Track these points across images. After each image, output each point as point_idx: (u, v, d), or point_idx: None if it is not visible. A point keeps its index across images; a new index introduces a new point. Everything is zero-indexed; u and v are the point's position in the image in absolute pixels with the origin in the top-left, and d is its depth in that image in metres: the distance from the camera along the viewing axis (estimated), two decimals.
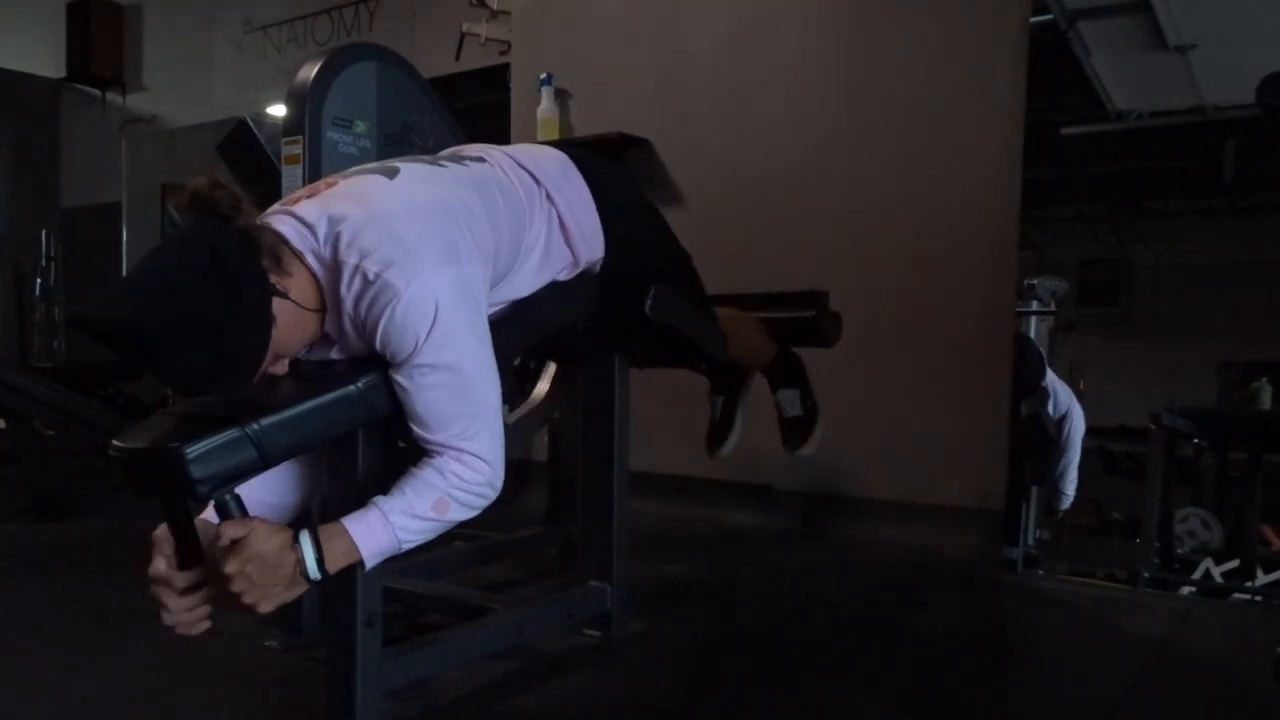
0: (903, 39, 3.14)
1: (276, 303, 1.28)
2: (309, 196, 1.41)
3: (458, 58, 4.29)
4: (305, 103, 1.87)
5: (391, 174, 1.44)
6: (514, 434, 2.33)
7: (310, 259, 1.33)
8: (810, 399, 2.37)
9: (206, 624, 1.34)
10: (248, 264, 1.26)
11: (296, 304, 1.31)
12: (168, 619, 1.33)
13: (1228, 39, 4.54)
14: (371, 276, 1.28)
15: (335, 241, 1.32)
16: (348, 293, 1.31)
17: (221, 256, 1.23)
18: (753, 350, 2.26)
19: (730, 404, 2.31)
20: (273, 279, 1.28)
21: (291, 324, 1.31)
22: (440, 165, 1.51)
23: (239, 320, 1.24)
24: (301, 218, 1.35)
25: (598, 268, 1.72)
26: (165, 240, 1.35)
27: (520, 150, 1.66)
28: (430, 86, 2.22)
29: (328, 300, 1.36)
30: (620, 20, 3.73)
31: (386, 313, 1.28)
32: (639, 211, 1.84)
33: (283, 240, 1.32)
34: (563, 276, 1.67)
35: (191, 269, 1.22)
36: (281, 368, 1.36)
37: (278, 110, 4.90)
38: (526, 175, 1.60)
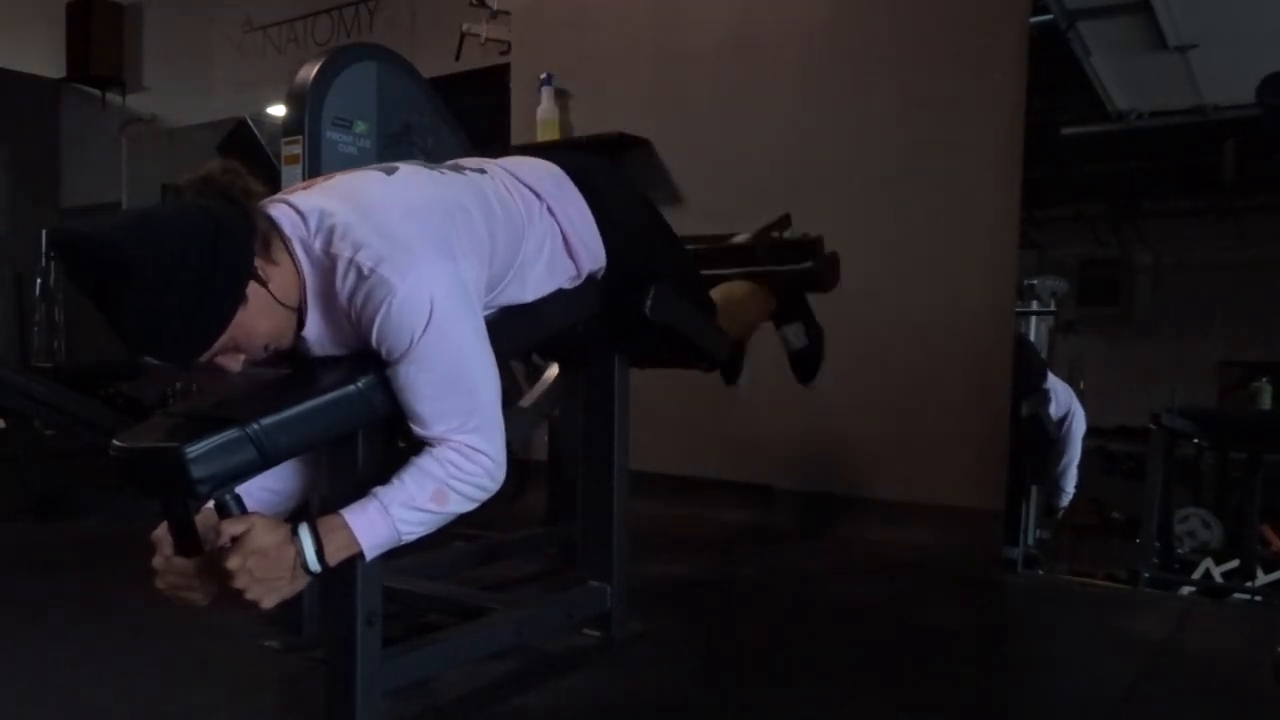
0: (903, 39, 3.14)
1: (253, 287, 1.27)
2: (306, 189, 1.42)
3: (458, 58, 4.28)
4: (305, 103, 1.87)
5: (390, 172, 1.46)
6: (523, 421, 2.34)
7: (298, 248, 1.33)
8: (813, 326, 2.43)
9: (199, 598, 1.32)
10: (239, 240, 1.26)
11: (272, 295, 1.30)
12: (160, 582, 1.33)
13: (1228, 39, 4.54)
14: (366, 271, 1.28)
15: (329, 234, 1.31)
16: (342, 286, 1.31)
17: (217, 226, 1.24)
18: (757, 314, 2.34)
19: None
20: (258, 262, 1.28)
21: (260, 313, 1.29)
22: (440, 172, 1.52)
23: (212, 283, 1.23)
24: (296, 206, 1.35)
25: (601, 274, 1.74)
26: (171, 201, 1.36)
27: (517, 165, 1.66)
28: (430, 86, 2.22)
29: (312, 296, 1.35)
30: (620, 20, 3.73)
31: (382, 309, 1.28)
32: (638, 216, 1.85)
33: (275, 226, 1.32)
34: (567, 286, 1.69)
35: (185, 223, 1.23)
36: (235, 363, 1.32)
37: (278, 110, 4.90)
38: (527, 190, 1.61)
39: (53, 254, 1.22)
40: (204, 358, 1.28)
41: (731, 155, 3.45)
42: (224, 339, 1.27)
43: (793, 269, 2.37)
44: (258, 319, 1.29)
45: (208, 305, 1.24)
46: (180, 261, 1.20)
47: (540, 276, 1.61)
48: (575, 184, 1.68)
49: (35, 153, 6.44)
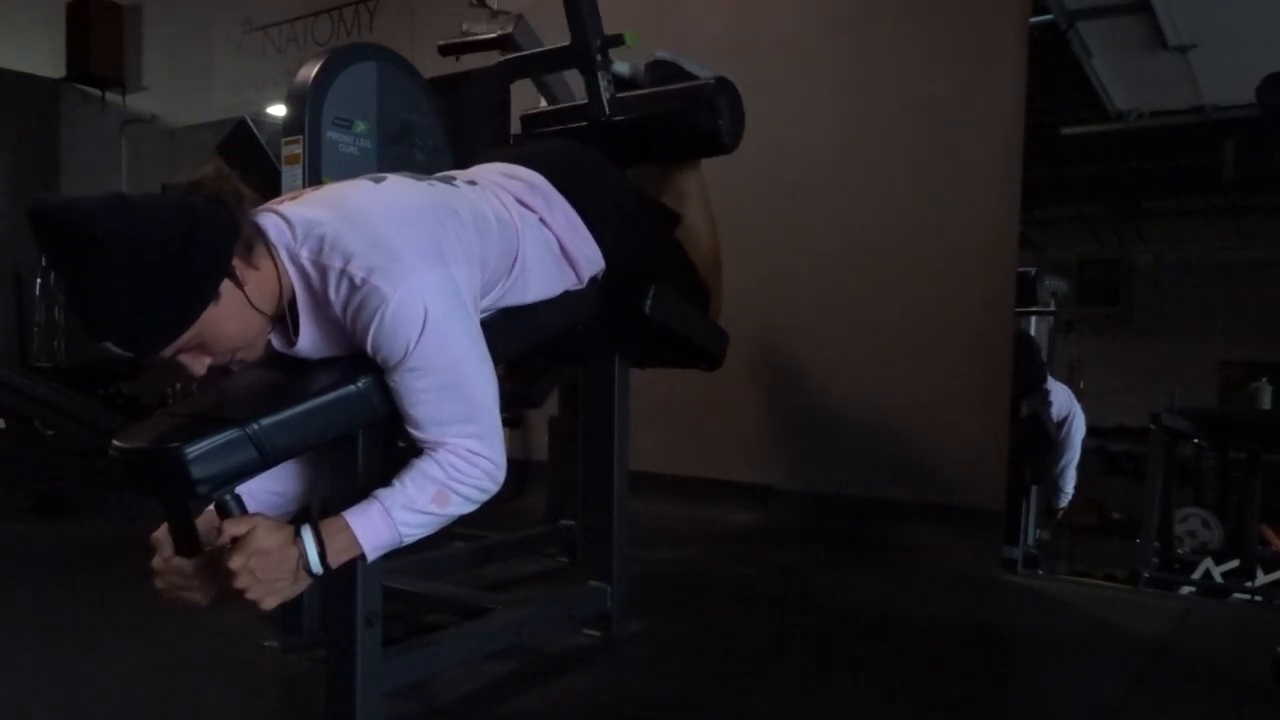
0: (903, 39, 3.14)
1: (227, 286, 1.26)
2: (293, 199, 1.41)
3: (458, 58, 4.28)
4: (305, 103, 1.87)
5: (378, 180, 1.45)
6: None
7: (284, 256, 1.32)
8: None
9: (198, 598, 1.32)
10: (218, 236, 1.25)
11: (247, 299, 1.28)
12: (159, 583, 1.33)
13: (1228, 39, 4.54)
14: (358, 281, 1.28)
15: (318, 244, 1.31)
16: (336, 297, 1.30)
17: (197, 219, 1.23)
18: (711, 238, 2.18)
19: None
20: (236, 263, 1.27)
21: (231, 315, 1.27)
22: (430, 183, 1.52)
23: (185, 273, 1.21)
24: (283, 214, 1.35)
25: (601, 275, 1.75)
26: (160, 192, 1.35)
27: (505, 179, 1.66)
28: (430, 86, 2.22)
29: (303, 307, 1.34)
30: (619, 19, 3.72)
31: (376, 319, 1.28)
32: (625, 210, 1.84)
33: (260, 232, 1.31)
34: (571, 290, 1.70)
35: (165, 211, 1.22)
36: (199, 365, 1.30)
37: (278, 110, 4.90)
38: (516, 202, 1.61)
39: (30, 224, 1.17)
40: (167, 352, 1.26)
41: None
42: (190, 335, 1.25)
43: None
44: (229, 320, 1.27)
45: (177, 295, 1.21)
46: (154, 246, 1.18)
47: (540, 284, 1.62)
48: (559, 190, 1.68)
49: (35, 153, 6.43)
